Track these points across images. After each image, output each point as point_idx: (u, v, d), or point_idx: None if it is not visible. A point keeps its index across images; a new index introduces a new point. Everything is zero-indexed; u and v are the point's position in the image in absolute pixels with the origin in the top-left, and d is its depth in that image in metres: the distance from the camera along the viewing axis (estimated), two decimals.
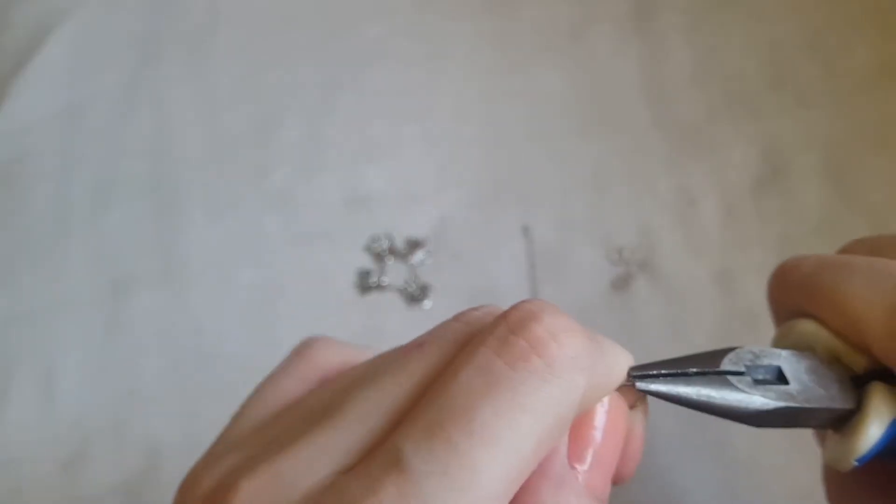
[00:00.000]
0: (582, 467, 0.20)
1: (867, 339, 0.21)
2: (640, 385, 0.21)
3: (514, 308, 0.19)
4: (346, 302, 0.42)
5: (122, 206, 0.46)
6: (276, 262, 0.43)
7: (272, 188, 0.45)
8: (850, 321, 0.22)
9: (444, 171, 0.45)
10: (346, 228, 0.44)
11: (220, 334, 0.42)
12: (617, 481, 0.22)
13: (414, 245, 0.43)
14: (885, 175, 0.42)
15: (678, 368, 0.21)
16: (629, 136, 0.44)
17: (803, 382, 0.22)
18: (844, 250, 0.25)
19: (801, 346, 0.23)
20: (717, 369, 0.21)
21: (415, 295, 0.41)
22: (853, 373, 0.22)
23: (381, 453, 0.18)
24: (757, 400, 0.21)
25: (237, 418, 0.24)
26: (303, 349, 0.25)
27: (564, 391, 0.19)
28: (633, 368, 0.21)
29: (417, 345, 0.20)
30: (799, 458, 0.35)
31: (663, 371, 0.21)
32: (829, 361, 0.22)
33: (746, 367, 0.21)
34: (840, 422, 0.22)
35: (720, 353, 0.21)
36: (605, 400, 0.21)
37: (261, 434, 0.22)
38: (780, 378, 0.22)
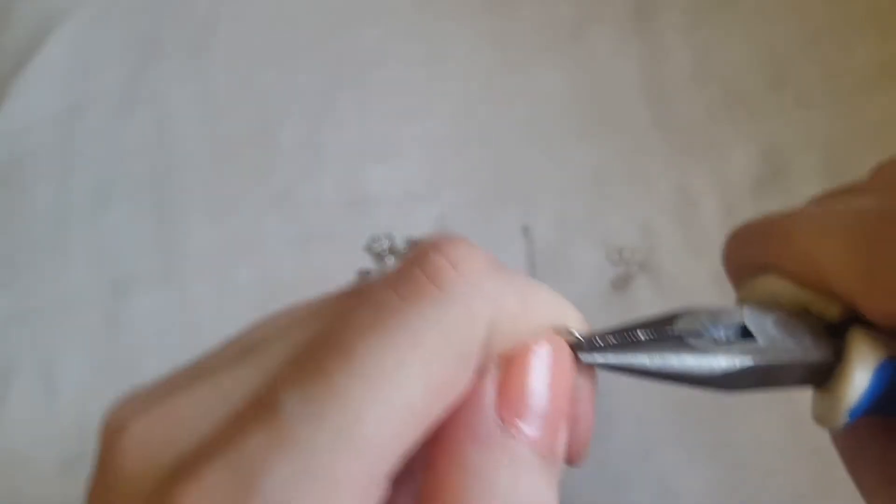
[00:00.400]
0: (521, 424, 0.17)
1: (832, 281, 0.19)
2: (585, 357, 0.18)
3: (422, 241, 0.18)
4: None
5: (122, 206, 0.46)
6: (276, 262, 0.43)
7: (272, 188, 0.45)
8: (812, 264, 0.20)
9: (444, 171, 0.45)
10: (347, 228, 0.44)
11: (220, 334, 0.42)
12: (567, 461, 0.19)
13: (414, 245, 0.43)
14: None
15: (626, 336, 0.19)
16: (629, 136, 0.44)
17: (771, 337, 0.19)
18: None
19: (765, 303, 0.21)
20: (671, 333, 0.19)
21: None
22: (826, 322, 0.20)
23: (258, 398, 0.16)
24: (721, 360, 0.18)
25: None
26: None
27: (461, 321, 0.16)
28: (574, 340, 0.18)
29: (356, 292, 0.18)
30: (799, 458, 0.35)
31: (610, 340, 0.18)
32: (799, 314, 0.20)
33: (704, 326, 0.19)
34: (821, 377, 0.20)
35: (670, 317, 0.19)
36: (543, 350, 0.18)
37: (177, 374, 0.20)
38: (746, 336, 0.19)
